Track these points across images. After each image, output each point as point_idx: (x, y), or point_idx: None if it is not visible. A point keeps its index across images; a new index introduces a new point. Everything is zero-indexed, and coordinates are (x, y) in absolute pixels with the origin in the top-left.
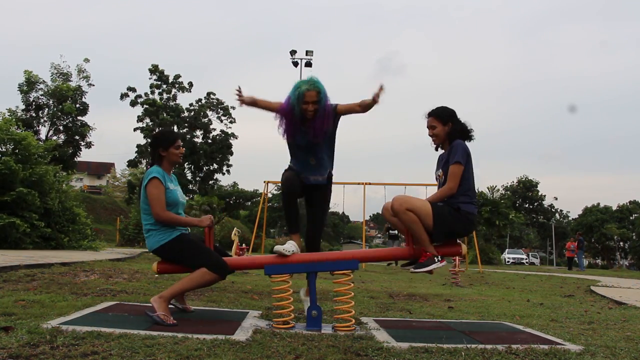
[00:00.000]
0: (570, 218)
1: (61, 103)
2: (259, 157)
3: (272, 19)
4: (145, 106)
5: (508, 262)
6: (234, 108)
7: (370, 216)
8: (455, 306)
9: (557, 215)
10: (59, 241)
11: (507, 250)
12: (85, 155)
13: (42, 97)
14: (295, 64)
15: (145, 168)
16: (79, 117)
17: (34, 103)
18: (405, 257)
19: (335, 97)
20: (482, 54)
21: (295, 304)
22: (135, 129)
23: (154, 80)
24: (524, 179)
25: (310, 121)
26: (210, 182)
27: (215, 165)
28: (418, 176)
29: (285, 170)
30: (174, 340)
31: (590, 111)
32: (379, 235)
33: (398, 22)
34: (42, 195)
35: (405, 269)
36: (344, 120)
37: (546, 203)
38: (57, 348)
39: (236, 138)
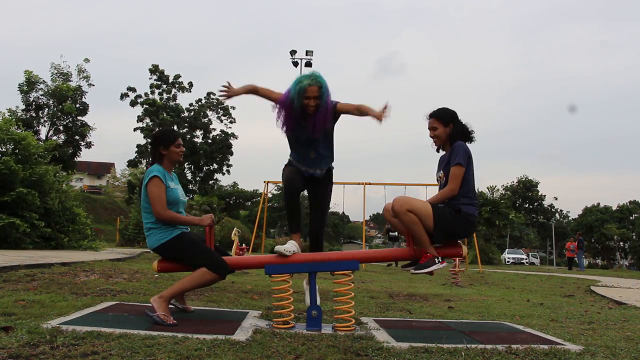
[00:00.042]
0: (570, 218)
1: (61, 103)
2: (259, 157)
3: (272, 18)
4: (145, 106)
5: (508, 262)
6: (234, 108)
7: (370, 216)
8: (455, 306)
9: (557, 215)
10: (59, 241)
11: (507, 250)
12: (85, 155)
13: (42, 97)
14: (295, 64)
15: (145, 168)
16: (79, 117)
17: (34, 103)
18: (405, 258)
19: (335, 97)
20: (482, 54)
21: (295, 304)
22: (135, 129)
23: (154, 80)
24: (524, 179)
25: (310, 116)
26: (210, 182)
27: (215, 165)
28: (418, 176)
29: (285, 166)
30: (174, 340)
31: (590, 111)
32: (379, 235)
33: (398, 22)
34: (42, 195)
35: (406, 270)
36: (344, 120)
37: (546, 203)
38: (57, 348)
39: (236, 138)
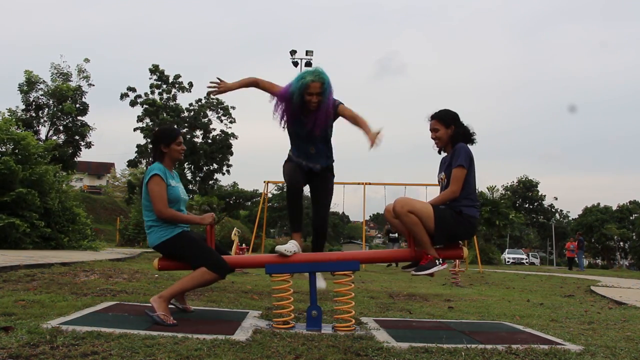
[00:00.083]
0: (570, 218)
1: (61, 103)
2: (259, 157)
3: (272, 18)
4: (145, 106)
5: (508, 262)
6: (234, 108)
7: (370, 216)
8: (455, 306)
9: (557, 215)
10: (59, 241)
11: (507, 250)
12: (85, 155)
13: (42, 97)
14: (295, 64)
15: (145, 168)
16: (79, 117)
17: (34, 103)
18: (406, 259)
19: (336, 97)
20: (482, 54)
21: (295, 304)
22: (135, 129)
23: (154, 80)
24: (524, 179)
25: (312, 113)
26: (210, 182)
27: (215, 165)
28: (418, 176)
29: (286, 162)
30: (174, 340)
31: (590, 111)
32: (378, 235)
33: (398, 22)
34: (42, 195)
35: (406, 271)
36: (344, 120)
37: (546, 203)
38: (57, 348)
39: (236, 138)
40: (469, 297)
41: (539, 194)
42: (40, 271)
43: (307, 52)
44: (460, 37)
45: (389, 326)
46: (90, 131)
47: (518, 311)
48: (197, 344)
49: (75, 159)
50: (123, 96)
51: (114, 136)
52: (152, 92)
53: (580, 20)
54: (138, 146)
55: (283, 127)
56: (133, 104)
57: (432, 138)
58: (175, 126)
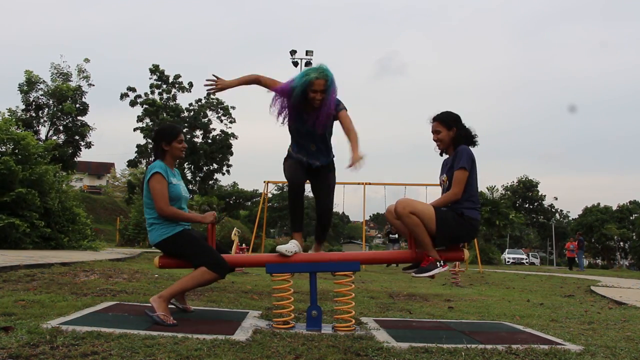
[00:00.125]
0: (570, 218)
1: (61, 103)
2: (259, 157)
3: (272, 18)
4: (145, 106)
5: (508, 262)
6: (234, 108)
7: (370, 216)
8: (455, 306)
9: (557, 215)
10: (59, 241)
11: (507, 250)
12: (85, 155)
13: (42, 97)
14: (295, 64)
15: (145, 168)
16: (79, 117)
17: (34, 103)
18: (407, 261)
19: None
20: (482, 54)
21: (295, 304)
22: (135, 129)
23: (154, 80)
24: (524, 179)
25: (314, 110)
26: (210, 182)
27: (215, 165)
28: (418, 176)
29: (286, 159)
30: (174, 340)
31: (590, 111)
32: (378, 235)
33: (398, 22)
34: (42, 195)
35: (407, 273)
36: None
37: (546, 203)
38: (57, 348)
39: (236, 138)
40: (469, 297)
41: (539, 194)
42: (40, 271)
43: (307, 52)
44: (460, 37)
45: (389, 326)
46: (90, 131)
47: (518, 311)
48: (197, 344)
49: (75, 159)
50: (123, 96)
51: (114, 136)
52: (152, 92)
53: (580, 20)
54: (138, 146)
55: (282, 123)
56: (133, 104)
57: (434, 140)
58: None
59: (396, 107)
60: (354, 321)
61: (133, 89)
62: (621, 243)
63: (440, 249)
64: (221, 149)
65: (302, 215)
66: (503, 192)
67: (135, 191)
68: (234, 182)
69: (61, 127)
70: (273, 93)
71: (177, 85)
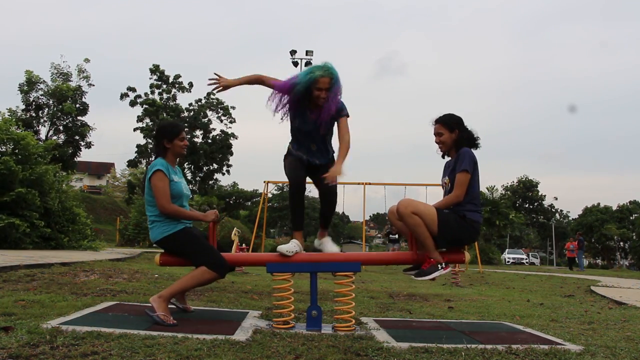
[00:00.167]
0: (570, 218)
1: (61, 103)
2: (259, 157)
3: (272, 18)
4: (145, 106)
5: (508, 262)
6: (234, 108)
7: (370, 216)
8: (455, 306)
9: (557, 215)
10: (59, 241)
11: (507, 250)
12: (85, 155)
13: (42, 97)
14: (295, 64)
15: (145, 167)
16: (79, 117)
17: (34, 103)
18: (407, 262)
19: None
20: (482, 54)
21: (295, 304)
22: (135, 129)
23: (154, 80)
24: (524, 179)
25: (317, 109)
26: (210, 182)
27: (215, 165)
28: (418, 176)
29: (286, 157)
30: (174, 340)
31: (590, 111)
32: (378, 235)
33: (398, 22)
34: (42, 195)
35: (408, 274)
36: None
37: (546, 203)
38: (57, 348)
39: (236, 138)
40: (469, 297)
41: (539, 194)
42: (40, 271)
43: (307, 52)
44: (460, 37)
45: (389, 326)
46: (90, 131)
47: (518, 311)
48: (197, 344)
49: (75, 159)
50: (123, 96)
51: (114, 136)
52: (152, 92)
53: (580, 20)
54: (138, 146)
55: (281, 119)
56: (133, 104)
57: (436, 142)
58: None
59: (396, 107)
60: (354, 321)
61: (133, 89)
62: (621, 243)
63: (441, 251)
64: (221, 149)
65: (302, 214)
66: (503, 192)
67: (135, 191)
68: (234, 182)
69: (61, 127)
70: (273, 92)
71: (177, 85)
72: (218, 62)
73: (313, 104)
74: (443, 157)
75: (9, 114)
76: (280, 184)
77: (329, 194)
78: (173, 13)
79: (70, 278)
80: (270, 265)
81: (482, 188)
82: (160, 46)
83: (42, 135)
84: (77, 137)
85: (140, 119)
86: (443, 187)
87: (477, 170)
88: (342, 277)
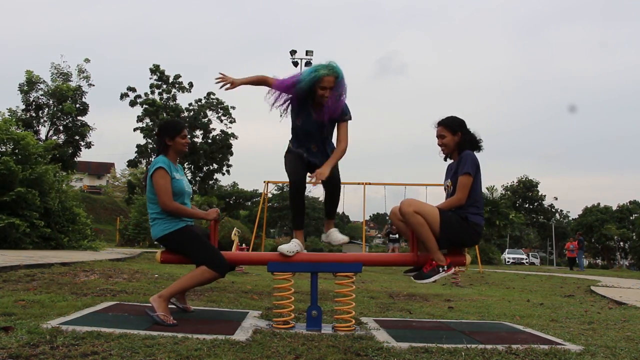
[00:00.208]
0: (570, 218)
1: (61, 103)
2: (259, 157)
3: (272, 18)
4: (145, 106)
5: (508, 262)
6: (234, 108)
7: (370, 216)
8: (455, 306)
9: (557, 215)
10: (59, 241)
11: (507, 250)
12: (85, 155)
13: (42, 97)
14: (295, 64)
15: (145, 167)
16: (79, 117)
17: (34, 103)
18: (408, 263)
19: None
20: (482, 54)
21: (295, 304)
22: (135, 129)
23: (155, 80)
24: (524, 179)
25: (321, 108)
26: (210, 182)
27: (215, 165)
28: (418, 176)
29: (286, 154)
30: (174, 340)
31: (590, 111)
32: (378, 235)
33: (398, 22)
34: (42, 195)
35: (408, 276)
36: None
37: (546, 203)
38: (57, 348)
39: (236, 138)
40: (469, 297)
41: (539, 194)
42: (40, 271)
43: (307, 52)
44: (460, 37)
45: (389, 326)
46: (90, 131)
47: (518, 311)
48: (197, 344)
49: (75, 159)
50: (123, 96)
51: (114, 136)
52: (152, 92)
53: (580, 20)
54: (138, 146)
55: (280, 115)
56: (133, 104)
57: (439, 145)
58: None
59: (396, 107)
60: (354, 321)
61: (133, 89)
62: (621, 243)
63: (442, 252)
64: (221, 149)
65: (303, 213)
66: (503, 192)
67: (136, 191)
68: (234, 182)
69: (61, 127)
70: (273, 91)
71: (177, 85)
72: (218, 62)
73: (317, 104)
74: (445, 159)
75: (9, 114)
76: (280, 184)
77: (329, 185)
78: (173, 13)
79: (70, 278)
80: (271, 264)
81: (482, 188)
82: (160, 46)
83: (42, 135)
84: (77, 137)
85: (140, 119)
86: (445, 190)
87: (479, 173)
88: (342, 277)
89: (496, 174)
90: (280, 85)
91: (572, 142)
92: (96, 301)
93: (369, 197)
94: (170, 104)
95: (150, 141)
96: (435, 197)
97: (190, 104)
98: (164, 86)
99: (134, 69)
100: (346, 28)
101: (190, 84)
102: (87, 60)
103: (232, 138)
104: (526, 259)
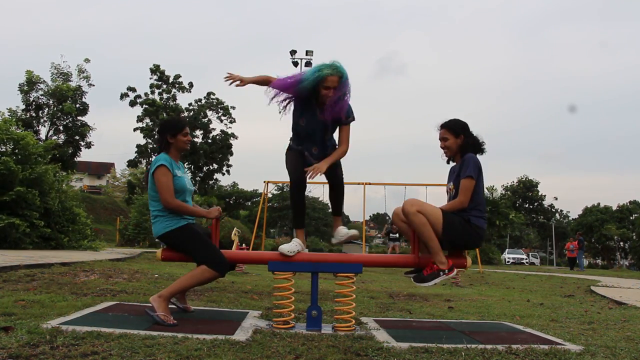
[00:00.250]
0: (570, 218)
1: (61, 103)
2: (259, 157)
3: (272, 18)
4: (145, 106)
5: (508, 262)
6: (234, 108)
7: (370, 216)
8: (455, 306)
9: (557, 215)
10: (59, 241)
11: (507, 250)
12: (85, 155)
13: (42, 97)
14: (295, 64)
15: (145, 168)
16: (79, 117)
17: (34, 103)
18: (409, 265)
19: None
20: (482, 54)
21: (295, 304)
22: (135, 129)
23: (155, 80)
24: (524, 179)
25: (323, 108)
26: (210, 182)
27: (215, 165)
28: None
29: (287, 151)
30: (174, 340)
31: (590, 111)
32: (378, 235)
33: (398, 22)
34: (42, 195)
35: (409, 277)
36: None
37: (546, 203)
38: (57, 348)
39: (236, 138)
40: (469, 297)
41: (539, 194)
42: (40, 271)
43: (307, 52)
44: (460, 37)
45: (389, 326)
46: (90, 131)
47: (518, 311)
48: (197, 344)
49: (75, 159)
50: (123, 96)
51: (114, 136)
52: (152, 92)
53: (580, 20)
54: (138, 146)
55: (279, 112)
56: (133, 104)
57: (441, 147)
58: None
59: (396, 107)
60: (354, 321)
61: (133, 89)
62: (621, 243)
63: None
64: (221, 149)
65: (304, 211)
66: (503, 192)
67: (135, 191)
68: (234, 182)
69: (61, 127)
70: (274, 90)
71: (177, 85)
72: (218, 62)
73: (321, 104)
74: (448, 162)
75: (9, 114)
76: (280, 184)
77: (331, 180)
78: (173, 13)
79: (70, 278)
80: (272, 263)
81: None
82: (160, 46)
83: (42, 135)
84: (77, 137)
85: (140, 119)
86: (448, 193)
87: (481, 176)
88: (343, 277)
89: (496, 174)
90: (282, 84)
91: (572, 142)
92: (96, 301)
93: (369, 197)
94: (170, 104)
95: (150, 141)
96: (435, 197)
97: (190, 104)
98: (164, 86)
99: (134, 69)
100: (346, 28)
101: (190, 84)
102: (87, 60)
103: (232, 138)
104: (526, 259)
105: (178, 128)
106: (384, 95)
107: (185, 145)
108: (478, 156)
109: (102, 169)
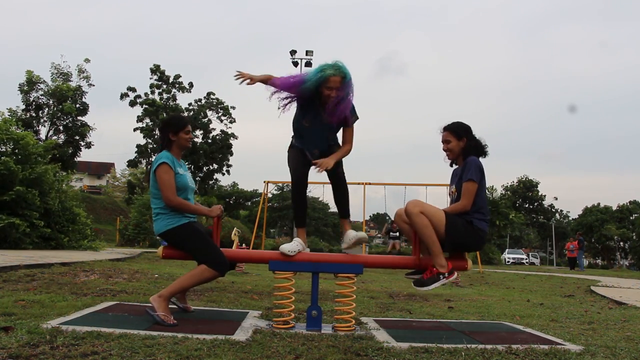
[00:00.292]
0: (570, 218)
1: (61, 103)
2: (259, 157)
3: (272, 18)
4: (145, 106)
5: (508, 262)
6: (234, 108)
7: (370, 216)
8: (455, 306)
9: (557, 215)
10: (59, 241)
11: (507, 250)
12: (85, 155)
13: (42, 97)
14: (295, 64)
15: (145, 168)
16: (79, 117)
17: (34, 103)
18: (410, 266)
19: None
20: (482, 54)
21: (295, 304)
22: (135, 129)
23: (155, 80)
24: (524, 179)
25: (325, 108)
26: (210, 182)
27: (215, 165)
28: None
29: (290, 149)
30: (174, 340)
31: (590, 111)
32: (378, 235)
33: (398, 22)
34: (42, 195)
35: (408, 278)
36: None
37: (546, 203)
38: (57, 348)
39: (236, 138)
40: (469, 297)
41: (539, 194)
42: (40, 271)
43: (307, 52)
44: (460, 37)
45: (389, 326)
46: (90, 131)
47: (518, 311)
48: (197, 344)
49: (75, 159)
50: (123, 96)
51: (114, 136)
52: (152, 92)
53: (580, 20)
54: (138, 146)
55: (278, 108)
56: (133, 104)
57: (444, 150)
58: None
59: (396, 107)
60: (354, 321)
61: (133, 89)
62: (621, 243)
63: (444, 256)
64: (221, 149)
65: (305, 211)
66: (503, 192)
67: (136, 191)
68: (234, 182)
69: (61, 127)
70: (277, 90)
71: (177, 85)
72: (218, 62)
73: (324, 105)
74: (451, 165)
75: (9, 113)
76: (280, 184)
77: (333, 179)
78: (173, 13)
79: (70, 278)
80: (273, 263)
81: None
82: (160, 46)
83: (42, 135)
84: (77, 137)
85: (140, 119)
86: (450, 196)
87: (484, 179)
88: (343, 278)
89: (496, 174)
90: (284, 83)
91: (572, 142)
92: (96, 301)
93: (369, 197)
94: (170, 104)
95: (151, 141)
96: (435, 197)
97: (190, 104)
98: (164, 86)
99: (134, 69)
100: (346, 28)
101: (190, 84)
102: (87, 60)
103: (232, 138)
104: (526, 259)
105: (180, 125)
106: (384, 95)
107: (187, 143)
108: (481, 159)
109: (102, 169)
